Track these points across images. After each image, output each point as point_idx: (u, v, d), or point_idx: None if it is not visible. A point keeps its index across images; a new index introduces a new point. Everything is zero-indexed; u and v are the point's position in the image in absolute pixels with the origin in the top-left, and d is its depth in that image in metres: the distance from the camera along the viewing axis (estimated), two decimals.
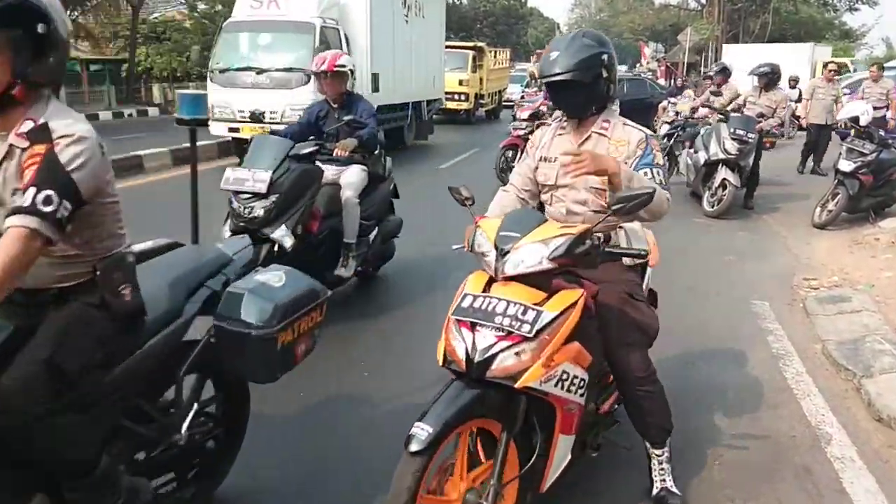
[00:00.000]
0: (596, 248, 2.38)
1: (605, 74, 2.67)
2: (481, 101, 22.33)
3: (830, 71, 11.93)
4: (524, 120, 10.29)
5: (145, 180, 10.47)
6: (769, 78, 9.15)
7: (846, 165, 8.02)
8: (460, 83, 20.33)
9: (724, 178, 8.50)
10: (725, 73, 10.45)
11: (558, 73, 2.62)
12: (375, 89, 12.09)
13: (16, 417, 1.83)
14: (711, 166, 8.69)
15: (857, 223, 8.23)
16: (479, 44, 23.17)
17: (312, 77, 10.39)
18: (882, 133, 8.60)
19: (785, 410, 3.78)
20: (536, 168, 2.90)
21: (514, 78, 27.84)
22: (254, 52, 11.46)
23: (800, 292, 5.77)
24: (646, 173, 2.58)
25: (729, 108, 9.54)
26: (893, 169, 8.28)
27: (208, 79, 11.74)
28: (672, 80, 30.40)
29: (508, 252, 2.34)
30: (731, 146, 8.42)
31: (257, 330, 2.34)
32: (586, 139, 2.76)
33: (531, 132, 10.32)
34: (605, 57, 2.65)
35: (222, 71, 11.40)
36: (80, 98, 26.05)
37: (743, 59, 14.23)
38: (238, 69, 11.25)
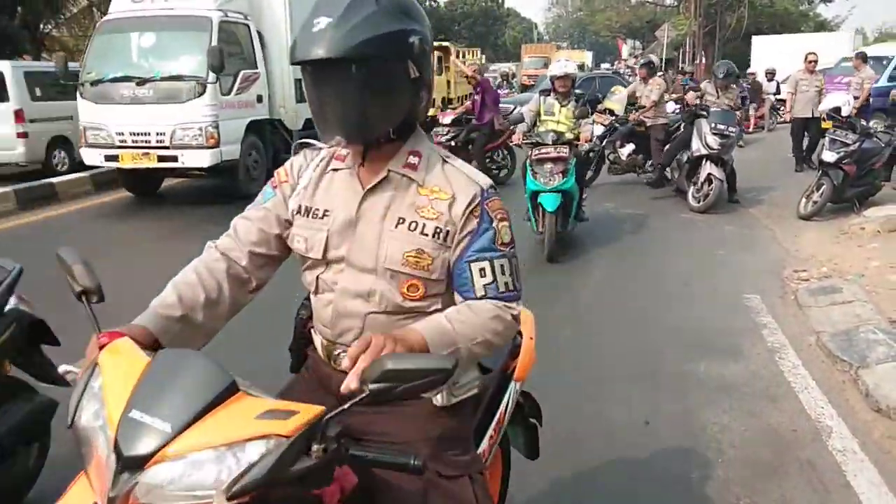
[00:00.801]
0: (339, 450, 1.19)
1: (412, 72, 1.50)
2: (450, 106, 21.02)
3: (811, 62, 11.54)
4: (447, 125, 9.58)
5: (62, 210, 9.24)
6: (730, 79, 9.25)
7: (830, 156, 8.09)
8: None
9: (710, 173, 8.56)
10: (650, 67, 10.35)
11: (323, 56, 1.42)
12: (301, 99, 9.94)
13: None
14: (695, 162, 8.76)
15: (843, 213, 8.27)
16: (445, 43, 21.66)
17: (210, 86, 8.60)
18: (864, 122, 8.68)
19: (784, 404, 3.78)
20: (289, 223, 1.65)
21: None
22: (134, 57, 9.17)
23: (791, 284, 5.78)
24: (482, 270, 1.50)
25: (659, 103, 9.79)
26: (876, 158, 8.38)
27: (78, 94, 9.21)
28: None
29: (143, 465, 1.10)
30: (714, 141, 8.50)
31: None
32: (379, 184, 1.57)
33: (457, 137, 9.69)
34: (414, 39, 1.49)
35: (94, 83, 8.99)
36: None
37: (775, 50, 14.17)
38: (114, 80, 8.88)
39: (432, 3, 58.34)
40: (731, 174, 9.01)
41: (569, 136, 6.58)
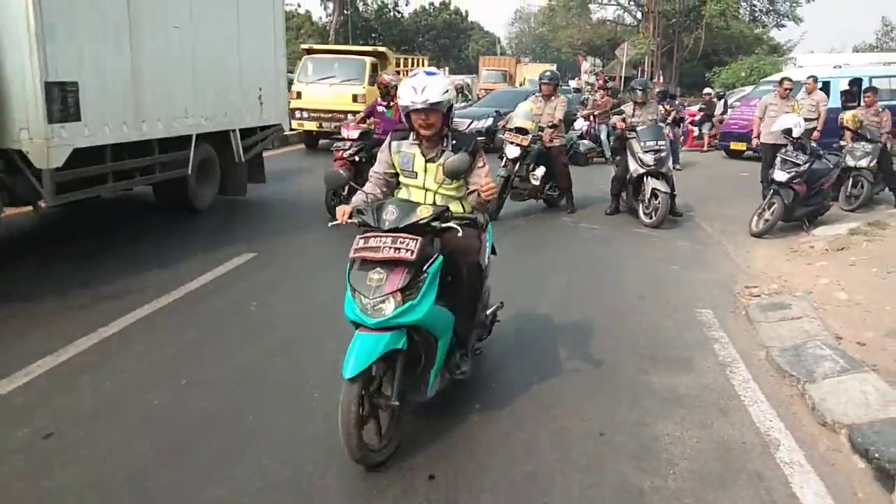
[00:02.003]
0: None
1: None
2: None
3: (786, 89, 10.85)
4: (352, 140, 8.57)
5: None
6: (646, 94, 9.48)
7: (781, 176, 8.34)
8: (354, 99, 15.52)
9: (654, 188, 8.75)
10: (553, 81, 9.69)
11: None
12: (64, 116, 5.92)
13: None
14: (637, 181, 8.98)
15: (793, 232, 8.50)
16: (381, 48, 18.76)
17: None
18: (814, 144, 8.95)
19: (735, 417, 3.84)
20: None
21: None
22: None
23: (742, 300, 5.90)
24: None
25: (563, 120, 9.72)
26: (825, 179, 8.74)
27: None
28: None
29: None
30: (648, 158, 8.75)
31: None
32: None
33: (361, 152, 8.53)
34: None
35: None
36: None
37: (822, 69, 14.34)
38: None
39: (396, 13, 58.55)
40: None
41: (425, 213, 3.29)
